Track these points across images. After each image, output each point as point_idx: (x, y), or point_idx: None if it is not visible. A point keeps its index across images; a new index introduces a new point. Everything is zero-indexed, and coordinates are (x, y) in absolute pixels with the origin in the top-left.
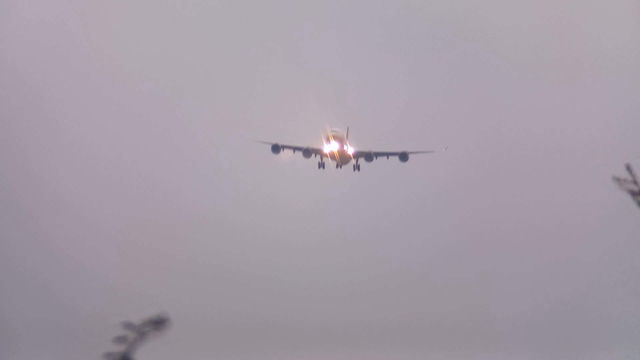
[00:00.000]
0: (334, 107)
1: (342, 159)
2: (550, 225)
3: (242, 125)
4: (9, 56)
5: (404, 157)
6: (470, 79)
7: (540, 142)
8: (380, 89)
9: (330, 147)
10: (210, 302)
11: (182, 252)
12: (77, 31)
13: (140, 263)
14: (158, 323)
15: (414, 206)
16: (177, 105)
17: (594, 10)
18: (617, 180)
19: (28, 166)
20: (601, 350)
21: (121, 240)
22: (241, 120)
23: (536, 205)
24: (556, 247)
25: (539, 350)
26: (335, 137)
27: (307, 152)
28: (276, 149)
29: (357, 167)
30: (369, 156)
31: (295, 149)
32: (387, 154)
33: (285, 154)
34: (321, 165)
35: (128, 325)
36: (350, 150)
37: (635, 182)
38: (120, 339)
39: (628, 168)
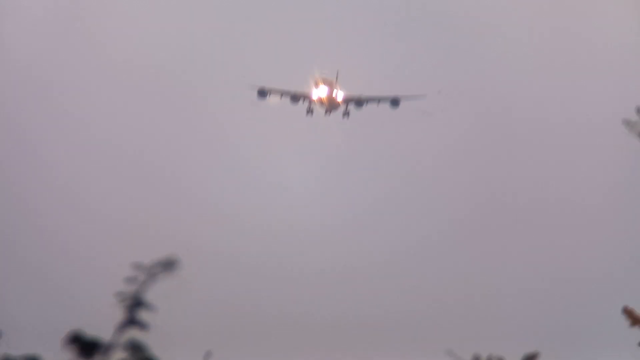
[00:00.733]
0: (323, 51)
1: (330, 105)
2: (549, 210)
3: (227, 70)
4: (12, 42)
5: (395, 102)
6: (465, 24)
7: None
8: (373, 32)
9: (319, 92)
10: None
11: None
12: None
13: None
14: (168, 265)
15: (403, 152)
16: (162, 50)
17: None
18: (628, 123)
19: (21, 141)
20: (601, 351)
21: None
22: (226, 64)
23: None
24: (554, 244)
25: (539, 348)
26: (324, 82)
27: (295, 98)
28: (262, 93)
29: (346, 113)
30: (359, 101)
31: (282, 93)
32: (378, 99)
33: (272, 99)
34: (309, 111)
35: (138, 266)
36: (339, 95)
37: None
38: (130, 280)
39: (639, 111)
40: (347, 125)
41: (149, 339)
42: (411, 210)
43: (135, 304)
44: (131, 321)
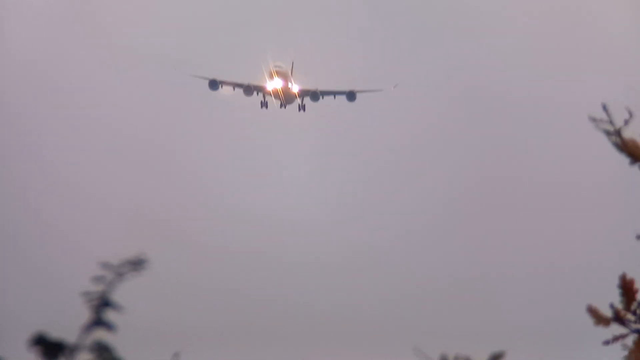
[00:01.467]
0: (278, 40)
1: (286, 98)
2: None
3: (176, 59)
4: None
5: (351, 96)
6: (426, 10)
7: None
8: (329, 22)
9: (274, 84)
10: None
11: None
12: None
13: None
14: (136, 264)
15: (360, 145)
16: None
17: None
18: (594, 120)
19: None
20: (601, 350)
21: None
22: (175, 53)
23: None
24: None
25: (540, 349)
26: (278, 73)
27: (249, 89)
28: (214, 84)
29: (302, 107)
30: (314, 95)
31: (235, 85)
32: (334, 93)
33: (225, 90)
34: (264, 104)
35: (106, 266)
36: (295, 88)
37: (610, 122)
38: (98, 279)
39: (604, 108)
40: (312, 116)
41: (116, 340)
42: (394, 201)
43: (102, 304)
44: (98, 322)
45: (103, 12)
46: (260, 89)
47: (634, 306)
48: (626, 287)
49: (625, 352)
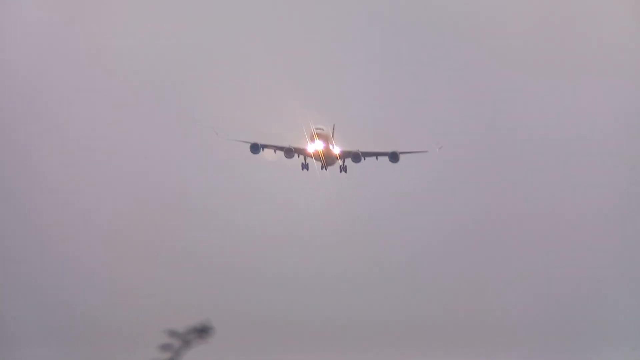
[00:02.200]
0: (319, 104)
1: (327, 159)
2: (546, 222)
3: (217, 123)
4: (9, 52)
5: (394, 157)
6: (464, 74)
7: (533, 138)
8: (369, 84)
9: (315, 146)
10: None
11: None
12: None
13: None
14: (202, 331)
15: (403, 209)
16: (152, 101)
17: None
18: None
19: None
20: (601, 350)
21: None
22: (216, 117)
23: (531, 204)
24: (554, 243)
25: (539, 349)
26: (319, 136)
27: (290, 152)
28: (255, 148)
29: (343, 169)
30: (356, 156)
31: (276, 148)
32: (376, 154)
33: (266, 154)
34: (305, 166)
35: (173, 333)
36: (336, 149)
37: None
38: (165, 347)
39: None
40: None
41: None
42: (414, 220)
43: None
44: None
45: (146, 76)
46: (301, 152)
47: None
48: None
49: None
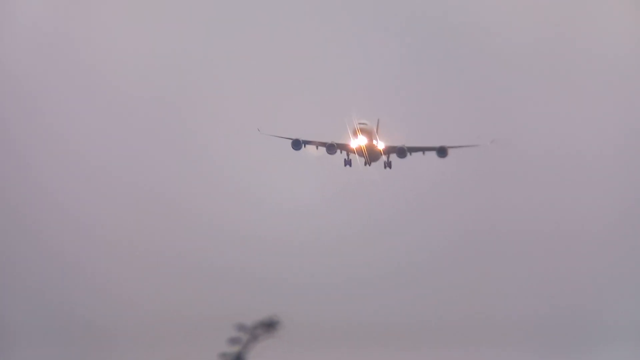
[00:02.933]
0: (363, 98)
1: (371, 155)
2: (557, 226)
3: (259, 120)
4: (6, 56)
5: (442, 152)
6: (515, 63)
7: (562, 144)
8: (415, 77)
9: (358, 141)
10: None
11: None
12: (69, 22)
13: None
14: (269, 325)
15: (449, 205)
16: (187, 101)
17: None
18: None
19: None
20: (601, 351)
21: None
22: (258, 114)
23: (546, 206)
24: (560, 247)
25: (540, 350)
26: (363, 131)
27: (332, 148)
28: (297, 144)
29: (388, 164)
30: (401, 151)
31: (318, 144)
32: (423, 149)
33: (308, 150)
34: (347, 162)
35: (241, 327)
36: (380, 145)
37: None
38: (234, 340)
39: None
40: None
41: None
42: (415, 230)
43: None
44: None
45: (190, 77)
46: (344, 147)
47: None
48: None
49: None
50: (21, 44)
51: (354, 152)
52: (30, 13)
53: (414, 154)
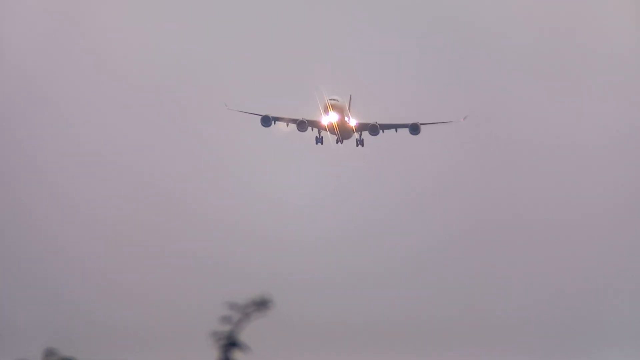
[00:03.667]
0: (334, 73)
1: (342, 133)
2: (556, 221)
3: (225, 94)
4: (8, 52)
5: (415, 129)
6: (487, 39)
7: (554, 134)
8: (387, 52)
9: (329, 118)
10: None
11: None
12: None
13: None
14: (261, 304)
15: (420, 191)
16: (153, 74)
17: None
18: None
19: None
20: (601, 351)
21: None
22: (224, 88)
23: (544, 200)
24: (561, 243)
25: (540, 350)
26: (334, 107)
27: (303, 125)
28: (266, 121)
29: (360, 142)
30: (374, 128)
31: (289, 121)
32: (396, 126)
33: (277, 127)
34: (319, 140)
35: (232, 306)
36: (352, 122)
37: None
38: (225, 319)
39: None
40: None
41: None
42: (415, 222)
43: (229, 344)
44: None
45: (146, 48)
46: (315, 124)
47: None
48: None
49: None
50: (23, 45)
51: (326, 130)
52: (32, 13)
53: (386, 131)
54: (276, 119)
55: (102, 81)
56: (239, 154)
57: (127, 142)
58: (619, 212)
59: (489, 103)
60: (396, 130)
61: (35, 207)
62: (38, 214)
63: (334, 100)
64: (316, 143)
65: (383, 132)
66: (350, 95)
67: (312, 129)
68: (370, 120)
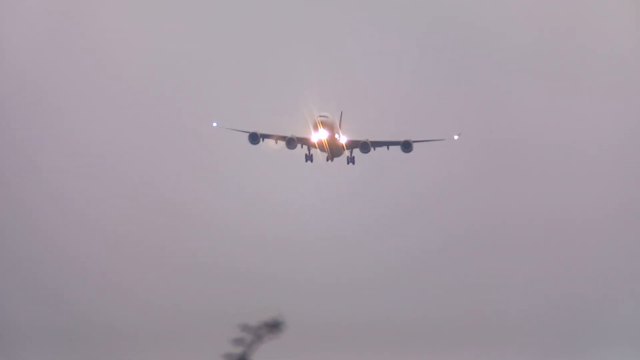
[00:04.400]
0: (324, 88)
1: (332, 150)
2: (553, 222)
3: (215, 113)
4: (9, 54)
5: (407, 146)
6: (478, 61)
7: (549, 138)
8: (379, 68)
9: (319, 135)
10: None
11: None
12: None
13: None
14: (274, 326)
15: (415, 204)
16: (145, 92)
17: None
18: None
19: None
20: (601, 351)
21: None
22: (213, 106)
23: (542, 202)
24: (558, 244)
25: (540, 349)
26: (324, 124)
27: (292, 142)
28: (254, 138)
29: (351, 160)
30: (365, 146)
31: (278, 138)
32: (388, 144)
33: (266, 144)
34: (309, 157)
35: (245, 328)
36: (343, 139)
37: None
38: (238, 341)
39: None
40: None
41: None
42: (416, 226)
43: None
44: None
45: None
46: (304, 142)
47: None
48: None
49: None
50: (23, 46)
51: (315, 147)
52: (32, 13)
53: (377, 149)
54: (265, 136)
55: (102, 81)
56: (233, 169)
57: (131, 145)
58: (618, 213)
59: (487, 108)
60: (388, 148)
61: (40, 210)
62: (39, 218)
63: (324, 117)
64: (306, 161)
65: (374, 149)
66: (342, 112)
67: (302, 147)
68: (362, 137)
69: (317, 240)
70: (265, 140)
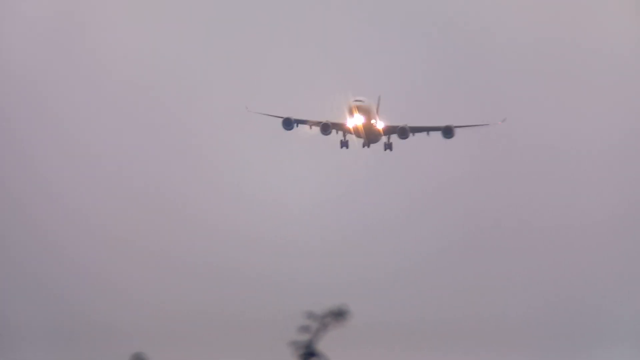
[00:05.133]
0: (361, 73)
1: (369, 136)
2: (564, 225)
3: (248, 97)
4: (8, 54)
5: (448, 132)
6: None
7: (558, 140)
8: (419, 50)
9: (354, 120)
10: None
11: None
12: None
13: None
14: (338, 314)
15: (456, 193)
16: (174, 78)
17: None
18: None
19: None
20: (602, 353)
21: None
22: (247, 90)
23: (551, 203)
24: (561, 246)
25: (541, 351)
26: (359, 109)
27: (327, 128)
28: (288, 124)
29: (388, 146)
30: (403, 131)
31: (312, 124)
32: (428, 129)
33: (300, 130)
34: (344, 144)
35: (311, 315)
36: (379, 124)
37: None
38: (304, 329)
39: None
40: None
41: None
42: (419, 227)
43: (308, 353)
44: None
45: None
46: (340, 127)
47: None
48: None
49: None
50: (23, 46)
51: (351, 132)
52: (32, 13)
53: (417, 134)
54: (298, 121)
55: (102, 81)
56: (258, 159)
57: (133, 146)
58: (617, 214)
59: (491, 108)
60: (428, 134)
61: (40, 210)
62: (40, 220)
63: (360, 101)
64: (341, 147)
65: (413, 135)
66: (379, 96)
67: (337, 132)
68: (400, 122)
69: (338, 236)
70: (299, 125)
